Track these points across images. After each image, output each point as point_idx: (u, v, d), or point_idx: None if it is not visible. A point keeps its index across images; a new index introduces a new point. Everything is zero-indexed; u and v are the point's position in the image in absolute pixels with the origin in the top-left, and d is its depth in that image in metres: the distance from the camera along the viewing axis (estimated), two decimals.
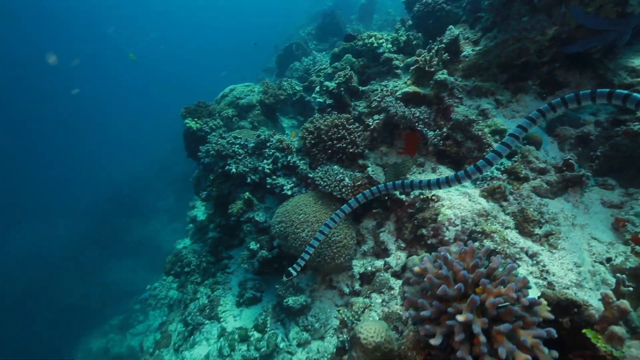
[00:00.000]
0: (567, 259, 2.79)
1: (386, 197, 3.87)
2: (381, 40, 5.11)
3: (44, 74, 35.08)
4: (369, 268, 3.80)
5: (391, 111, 3.98)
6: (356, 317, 3.00)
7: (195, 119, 6.47)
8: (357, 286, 3.96)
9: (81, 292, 16.38)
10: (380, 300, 3.26)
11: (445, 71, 3.99)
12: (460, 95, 4.04)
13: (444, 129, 3.93)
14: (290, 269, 3.15)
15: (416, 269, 2.17)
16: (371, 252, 4.14)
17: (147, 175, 21.68)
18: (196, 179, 7.52)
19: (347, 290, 4.04)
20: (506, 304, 1.92)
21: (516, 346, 1.78)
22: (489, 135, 3.58)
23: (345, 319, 2.93)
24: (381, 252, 3.96)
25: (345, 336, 2.82)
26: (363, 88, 4.84)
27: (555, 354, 1.85)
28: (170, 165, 21.23)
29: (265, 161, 4.56)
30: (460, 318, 1.81)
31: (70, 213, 21.64)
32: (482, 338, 1.78)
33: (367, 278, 3.82)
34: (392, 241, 3.88)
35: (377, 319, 3.04)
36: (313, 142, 4.30)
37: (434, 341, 1.88)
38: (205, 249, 6.40)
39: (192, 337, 4.69)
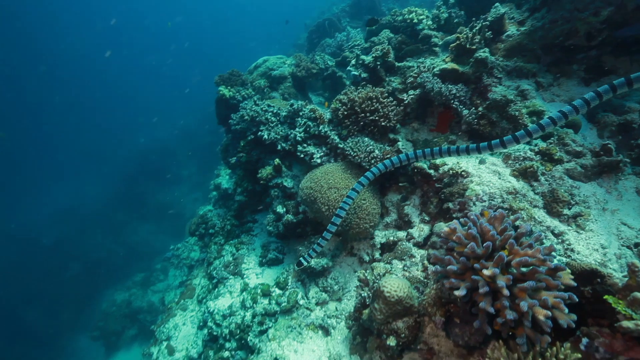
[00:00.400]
0: (594, 240, 2.82)
1: (415, 171, 3.95)
2: (422, 17, 5.03)
3: (75, 40, 36.21)
4: (391, 238, 3.94)
5: (427, 87, 3.99)
6: (378, 278, 3.16)
7: (229, 87, 6.63)
8: (377, 255, 4.12)
9: (107, 248, 17.39)
10: (401, 266, 3.41)
11: (486, 49, 3.94)
12: (499, 75, 3.99)
13: (480, 108, 3.92)
14: (301, 258, 3.53)
15: (445, 228, 2.28)
16: (394, 225, 4.27)
17: (173, 144, 22.35)
18: (224, 146, 7.77)
19: (367, 258, 4.22)
20: (531, 267, 2.02)
21: (537, 303, 1.89)
22: (526, 115, 3.56)
23: (367, 277, 3.10)
24: (404, 224, 4.08)
25: (366, 293, 3.00)
26: (399, 64, 4.83)
27: (574, 316, 1.95)
28: (195, 136, 21.83)
29: (297, 129, 4.69)
30: (486, 272, 1.93)
31: (102, 175, 22.78)
32: (506, 291, 1.89)
33: (388, 247, 3.96)
34: (416, 214, 3.99)
35: None
36: (346, 113, 4.38)
37: (459, 292, 2.01)
38: (230, 213, 6.70)
39: (216, 289, 5.03)
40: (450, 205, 3.41)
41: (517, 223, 2.27)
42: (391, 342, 2.53)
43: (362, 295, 3.02)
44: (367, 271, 3.38)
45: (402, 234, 3.91)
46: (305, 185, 4.22)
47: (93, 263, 16.39)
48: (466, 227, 2.23)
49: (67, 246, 18.16)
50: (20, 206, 23.78)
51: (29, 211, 22.56)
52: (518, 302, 1.89)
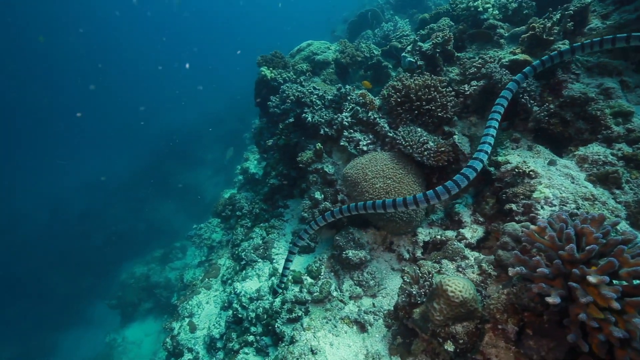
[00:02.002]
0: None
1: None
2: (487, 5, 4.68)
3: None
4: (438, 237, 3.67)
5: (495, 77, 3.67)
6: (428, 276, 2.92)
7: (270, 69, 6.49)
8: (418, 253, 3.87)
9: (129, 222, 17.77)
10: (452, 267, 3.14)
11: (566, 41, 3.58)
12: (577, 72, 3.62)
13: (551, 106, 3.57)
14: (276, 287, 3.87)
15: (534, 227, 2.01)
16: (439, 223, 4.00)
17: (200, 128, 22.62)
18: (258, 129, 7.67)
19: (407, 255, 3.97)
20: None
21: None
22: (609, 116, 3.19)
23: (418, 274, 2.86)
24: (452, 224, 3.81)
25: (415, 290, 2.76)
26: (459, 54, 4.52)
27: None
28: (222, 122, 21.99)
29: (344, 113, 4.47)
30: (592, 280, 1.65)
31: (130, 151, 23.39)
32: (616, 304, 1.61)
33: (434, 246, 3.70)
34: (468, 214, 3.70)
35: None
36: (399, 100, 4.12)
37: (552, 299, 1.74)
38: (259, 197, 6.57)
39: (243, 271, 4.91)
40: (513, 207, 3.11)
41: (619, 220, 1.97)
42: (449, 347, 2.29)
43: (412, 292, 2.78)
44: (415, 268, 3.14)
45: (451, 234, 3.64)
46: (349, 170, 4.00)
47: (115, 235, 16.83)
48: (557, 228, 1.95)
49: (92, 216, 18.78)
50: (53, 174, 24.86)
51: (60, 179, 23.51)
52: (627, 318, 1.61)
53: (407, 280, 2.87)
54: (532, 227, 2.03)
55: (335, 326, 3.39)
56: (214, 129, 22.10)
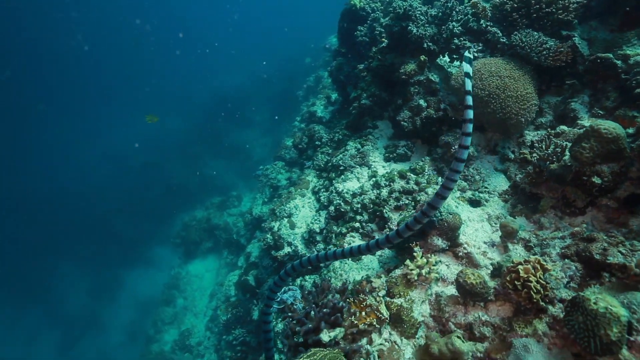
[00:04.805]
0: None
1: (598, 62, 3.74)
2: None
3: None
4: (551, 131, 3.85)
5: None
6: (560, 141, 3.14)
7: None
8: (526, 153, 4.09)
9: (184, 176, 19.09)
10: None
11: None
12: None
13: None
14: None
15: None
16: (547, 125, 4.17)
17: (250, 89, 23.31)
18: (337, 66, 7.95)
19: (512, 156, 4.20)
20: None
21: None
22: None
23: (551, 139, 3.11)
24: (565, 121, 3.96)
25: (551, 149, 3.02)
26: None
27: None
28: (271, 84, 22.53)
29: (454, 22, 4.65)
30: None
31: (185, 109, 24.75)
32: None
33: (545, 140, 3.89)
34: (585, 110, 3.84)
35: None
36: (515, 6, 4.23)
37: None
38: (339, 127, 6.94)
39: (342, 175, 5.37)
40: None
41: None
42: (596, 180, 2.57)
43: (544, 155, 3.05)
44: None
45: (565, 128, 3.80)
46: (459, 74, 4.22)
47: (173, 187, 18.24)
48: None
49: (151, 169, 20.41)
50: (115, 130, 26.95)
51: (123, 135, 25.47)
52: None
53: (538, 146, 3.14)
54: None
55: (452, 199, 3.76)
56: (263, 91, 22.65)
